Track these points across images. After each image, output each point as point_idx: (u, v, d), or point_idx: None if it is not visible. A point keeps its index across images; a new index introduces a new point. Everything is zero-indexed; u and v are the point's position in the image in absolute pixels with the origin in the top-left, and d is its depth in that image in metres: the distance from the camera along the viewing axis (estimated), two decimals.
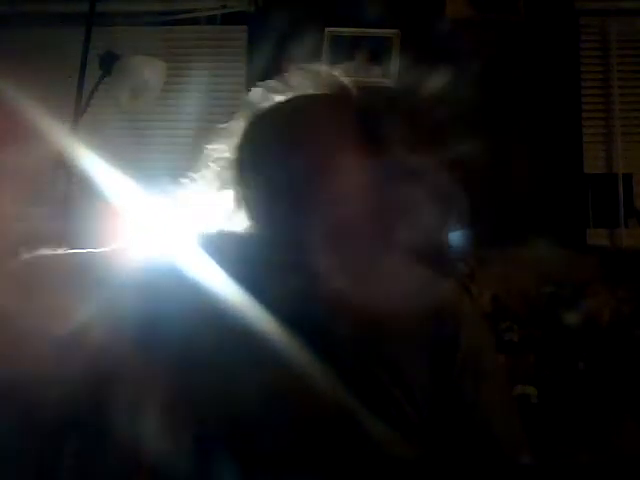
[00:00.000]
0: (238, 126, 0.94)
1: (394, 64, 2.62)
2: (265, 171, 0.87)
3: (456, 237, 2.21)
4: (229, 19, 2.83)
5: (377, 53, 2.63)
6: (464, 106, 2.48)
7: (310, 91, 0.93)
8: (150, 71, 2.39)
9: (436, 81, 2.37)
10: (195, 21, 2.82)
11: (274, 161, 0.87)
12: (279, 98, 0.93)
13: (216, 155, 0.94)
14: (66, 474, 0.82)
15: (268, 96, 0.94)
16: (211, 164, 0.94)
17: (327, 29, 2.67)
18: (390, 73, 2.61)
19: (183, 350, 0.82)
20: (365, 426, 0.81)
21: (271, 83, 0.95)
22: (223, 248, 0.90)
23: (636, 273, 2.32)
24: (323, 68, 0.97)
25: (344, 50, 2.64)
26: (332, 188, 0.86)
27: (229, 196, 0.92)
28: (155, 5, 2.81)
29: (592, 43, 2.74)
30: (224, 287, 0.84)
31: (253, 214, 0.90)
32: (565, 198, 2.58)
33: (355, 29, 2.68)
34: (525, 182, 2.54)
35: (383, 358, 0.85)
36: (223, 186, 0.92)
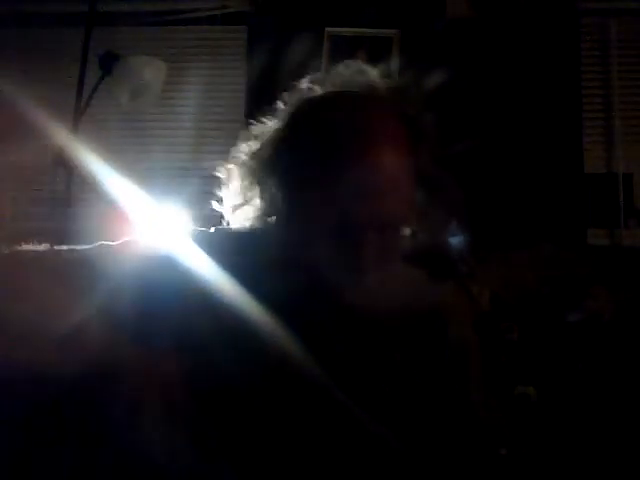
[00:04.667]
0: (278, 122, 0.92)
1: (394, 64, 2.62)
2: (303, 171, 0.86)
3: (456, 237, 2.21)
4: (229, 19, 2.83)
5: (377, 53, 2.64)
6: (464, 106, 2.48)
7: (353, 88, 0.92)
8: (150, 71, 2.39)
9: (436, 81, 2.37)
10: (195, 21, 2.83)
11: (314, 161, 0.86)
12: (321, 93, 0.92)
13: (251, 150, 0.92)
14: (66, 474, 0.82)
15: (310, 92, 0.92)
16: (244, 159, 0.93)
17: (327, 29, 2.68)
18: (390, 73, 2.60)
19: (181, 347, 0.82)
20: (360, 422, 0.81)
21: (315, 78, 0.94)
22: (222, 245, 0.90)
23: (636, 273, 2.32)
24: (365, 67, 0.96)
25: (344, 50, 2.64)
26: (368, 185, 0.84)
27: (257, 192, 0.91)
28: (155, 5, 2.82)
29: (592, 43, 2.74)
30: (223, 284, 0.84)
31: (281, 211, 0.88)
32: (565, 198, 2.58)
33: (355, 29, 2.68)
34: (525, 182, 2.54)
35: (380, 357, 0.86)
36: (254, 181, 0.91)
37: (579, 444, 1.87)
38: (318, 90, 0.92)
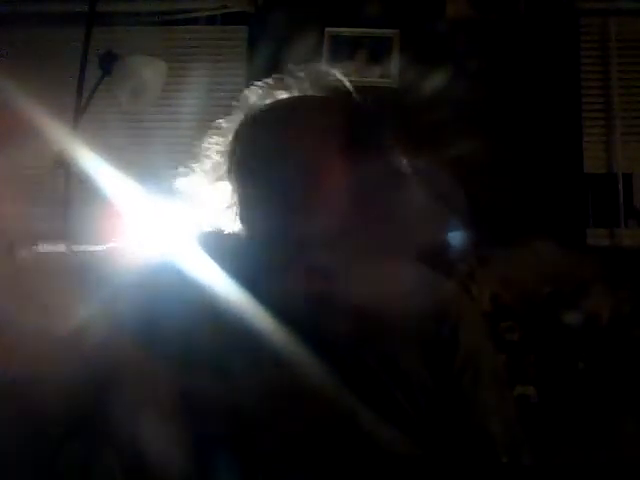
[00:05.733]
0: (234, 123, 0.94)
1: (394, 64, 2.62)
2: (257, 171, 0.88)
3: (456, 237, 2.21)
4: (229, 19, 2.83)
5: (377, 53, 2.63)
6: (464, 106, 2.48)
7: (308, 92, 0.93)
8: (150, 71, 2.40)
9: (436, 81, 2.37)
10: (195, 21, 2.83)
11: (265, 162, 0.88)
12: (276, 97, 0.94)
13: (214, 148, 0.95)
14: (66, 474, 0.82)
15: (265, 94, 0.94)
16: (209, 157, 0.95)
17: (327, 29, 2.68)
18: (390, 73, 2.61)
19: (183, 349, 0.82)
20: (365, 424, 0.81)
21: (269, 81, 0.95)
22: (223, 247, 0.90)
23: (636, 273, 2.32)
24: (322, 68, 0.97)
25: (344, 50, 2.64)
26: (320, 189, 0.86)
27: (225, 189, 0.92)
28: (155, 5, 2.82)
29: (592, 43, 2.74)
30: (223, 286, 0.84)
31: (245, 213, 0.90)
32: (565, 198, 2.58)
33: (355, 29, 2.69)
34: (525, 182, 2.54)
35: (383, 357, 0.85)
36: (219, 178, 0.93)
37: (579, 444, 1.87)
38: (270, 97, 0.94)
